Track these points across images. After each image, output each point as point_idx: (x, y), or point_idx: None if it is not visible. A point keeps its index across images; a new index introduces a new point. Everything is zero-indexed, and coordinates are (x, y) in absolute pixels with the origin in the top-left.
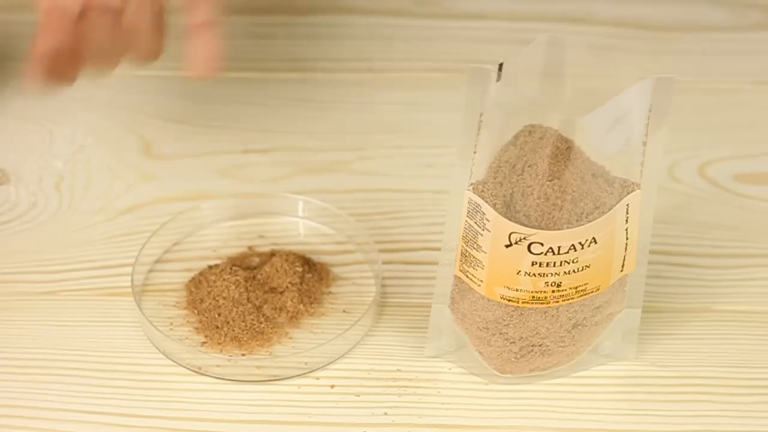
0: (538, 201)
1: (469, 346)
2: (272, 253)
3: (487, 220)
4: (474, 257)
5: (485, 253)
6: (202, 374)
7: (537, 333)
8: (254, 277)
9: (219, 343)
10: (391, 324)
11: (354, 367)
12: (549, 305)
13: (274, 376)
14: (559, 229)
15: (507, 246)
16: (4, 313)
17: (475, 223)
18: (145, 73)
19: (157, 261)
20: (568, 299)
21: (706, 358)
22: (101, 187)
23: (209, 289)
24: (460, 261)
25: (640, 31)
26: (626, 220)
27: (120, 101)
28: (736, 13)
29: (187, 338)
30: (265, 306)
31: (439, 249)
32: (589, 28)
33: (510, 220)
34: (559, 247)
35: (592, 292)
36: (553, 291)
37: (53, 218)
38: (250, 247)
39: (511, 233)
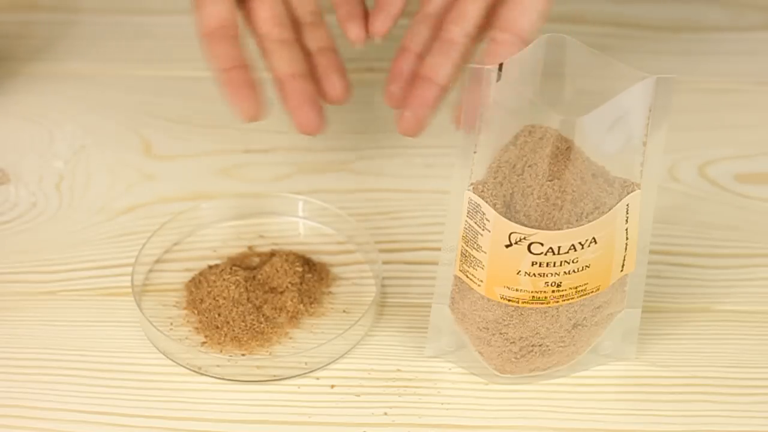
0: (538, 201)
1: (469, 346)
2: (272, 253)
3: (487, 220)
4: (474, 257)
5: (485, 253)
6: (202, 374)
7: (537, 333)
8: (254, 277)
9: (219, 343)
10: (391, 324)
11: (354, 367)
12: (549, 305)
13: (274, 376)
14: (559, 229)
15: (507, 246)
16: (4, 313)
17: (475, 223)
18: (145, 73)
19: (157, 261)
20: (568, 299)
21: (706, 358)
22: (101, 187)
23: (209, 289)
24: (460, 261)
25: (640, 31)
26: (626, 220)
27: (120, 101)
28: (736, 13)
29: (187, 338)
30: (265, 306)
31: (439, 249)
32: (589, 28)
33: (510, 220)
34: (559, 247)
35: (592, 292)
36: (553, 291)
37: (53, 218)
38: (250, 247)
39: (511, 233)
